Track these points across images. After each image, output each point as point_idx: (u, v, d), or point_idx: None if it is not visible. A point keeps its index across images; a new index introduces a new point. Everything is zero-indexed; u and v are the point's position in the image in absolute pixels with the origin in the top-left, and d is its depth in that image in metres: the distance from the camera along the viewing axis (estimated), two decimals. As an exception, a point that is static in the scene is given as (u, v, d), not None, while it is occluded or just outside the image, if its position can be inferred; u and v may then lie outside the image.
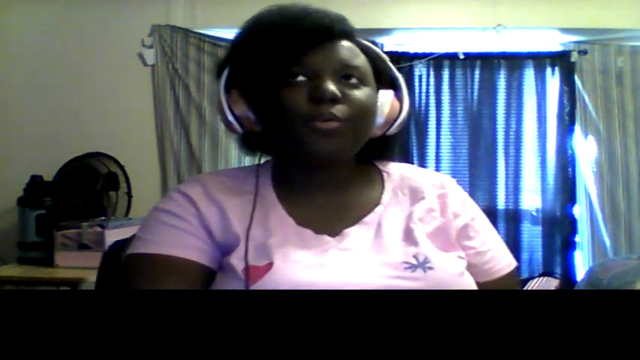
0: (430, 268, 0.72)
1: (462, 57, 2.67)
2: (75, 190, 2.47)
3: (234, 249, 0.73)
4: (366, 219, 0.79)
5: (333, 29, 0.76)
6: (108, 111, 2.67)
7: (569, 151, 2.70)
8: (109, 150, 2.56)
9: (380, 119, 0.80)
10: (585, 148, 2.68)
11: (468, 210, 0.85)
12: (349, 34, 0.79)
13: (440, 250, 0.77)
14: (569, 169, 2.70)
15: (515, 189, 2.71)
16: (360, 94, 0.76)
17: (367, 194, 0.83)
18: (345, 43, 0.78)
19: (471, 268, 0.79)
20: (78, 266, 2.13)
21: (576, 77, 2.66)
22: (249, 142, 0.85)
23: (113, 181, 2.52)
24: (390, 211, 0.81)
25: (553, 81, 2.72)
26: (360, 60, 0.79)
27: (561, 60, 2.69)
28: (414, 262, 0.73)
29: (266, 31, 0.76)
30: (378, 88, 0.81)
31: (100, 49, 2.66)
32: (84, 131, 2.64)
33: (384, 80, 0.83)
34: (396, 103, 0.82)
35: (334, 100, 0.73)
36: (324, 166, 0.79)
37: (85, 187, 2.48)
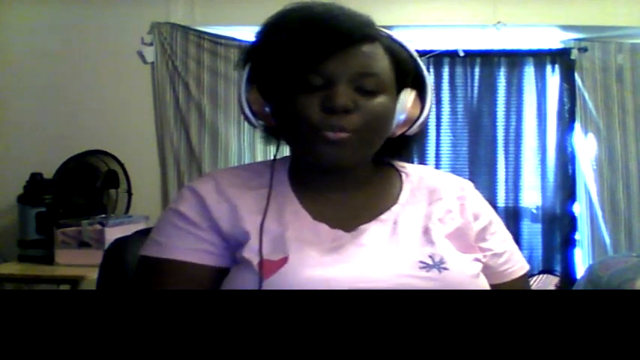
0: (445, 268, 0.72)
1: (461, 54, 2.66)
2: (75, 188, 2.47)
3: (246, 243, 0.73)
4: (383, 216, 0.79)
5: (354, 35, 0.74)
6: (108, 109, 2.67)
7: (569, 149, 2.70)
8: (108, 148, 2.56)
9: (399, 119, 0.78)
10: (585, 146, 2.68)
11: (485, 213, 0.86)
12: (372, 37, 0.77)
13: (458, 251, 0.77)
14: (569, 167, 2.70)
15: (515, 186, 2.71)
16: (375, 103, 0.75)
17: (385, 193, 0.83)
18: (366, 48, 0.75)
19: (485, 269, 0.80)
20: (78, 264, 2.13)
21: (576, 75, 2.66)
22: (269, 133, 0.85)
23: (113, 178, 2.52)
24: (407, 209, 0.81)
25: (553, 78, 2.71)
26: (381, 66, 0.76)
27: (561, 57, 2.69)
28: (429, 261, 0.73)
29: (285, 34, 0.74)
30: (401, 89, 0.79)
31: (100, 47, 2.66)
32: (84, 129, 2.63)
33: (409, 81, 0.80)
34: (418, 104, 0.80)
35: (346, 111, 0.72)
36: (337, 170, 0.79)
37: (85, 185, 2.48)
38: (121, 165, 2.55)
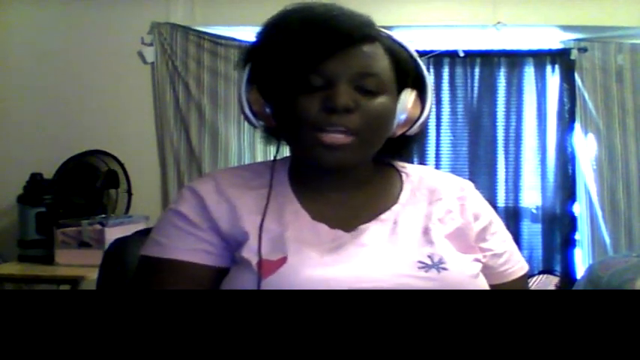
0: (444, 269, 0.72)
1: (461, 55, 2.66)
2: (75, 188, 2.47)
3: (245, 243, 0.74)
4: (383, 216, 0.79)
5: (354, 35, 0.74)
6: (108, 109, 2.67)
7: (569, 149, 2.70)
8: (108, 148, 2.56)
9: (400, 119, 0.78)
10: (585, 146, 2.69)
11: (485, 213, 0.86)
12: (372, 37, 0.77)
13: (458, 251, 0.77)
14: (569, 167, 2.70)
15: (515, 187, 2.72)
16: (375, 103, 0.75)
17: (385, 193, 0.83)
18: (366, 48, 0.75)
19: (485, 269, 0.80)
20: (78, 264, 2.13)
21: (576, 75, 2.66)
22: (269, 133, 0.85)
23: (113, 178, 2.52)
24: (407, 209, 0.81)
25: (553, 79, 2.71)
26: (381, 66, 0.76)
27: (561, 58, 2.69)
28: (428, 262, 0.73)
29: (285, 34, 0.74)
30: (401, 89, 0.79)
31: (100, 47, 2.66)
32: (84, 129, 2.64)
33: (409, 81, 0.80)
34: (418, 104, 0.80)
35: (347, 110, 0.72)
36: (337, 170, 0.79)
37: (85, 185, 2.48)
38: (121, 165, 2.55)
